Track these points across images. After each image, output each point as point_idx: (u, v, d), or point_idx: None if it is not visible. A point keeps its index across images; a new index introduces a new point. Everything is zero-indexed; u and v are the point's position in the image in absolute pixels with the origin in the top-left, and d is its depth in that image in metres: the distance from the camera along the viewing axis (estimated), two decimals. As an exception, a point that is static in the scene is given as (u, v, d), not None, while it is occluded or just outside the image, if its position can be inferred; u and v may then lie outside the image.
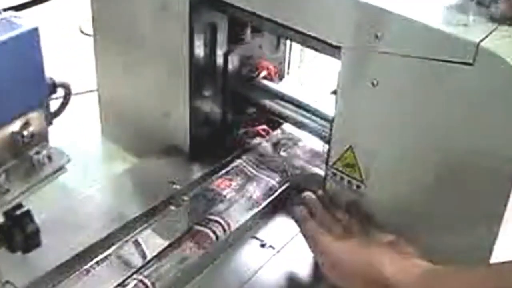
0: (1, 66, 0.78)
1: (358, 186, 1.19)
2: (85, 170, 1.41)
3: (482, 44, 0.97)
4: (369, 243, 1.08)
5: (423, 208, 1.12)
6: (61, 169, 0.86)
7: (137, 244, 1.21)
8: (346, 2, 1.07)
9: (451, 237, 1.09)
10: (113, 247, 1.19)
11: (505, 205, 1.02)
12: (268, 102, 1.44)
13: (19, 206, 0.88)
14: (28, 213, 0.89)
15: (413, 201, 1.13)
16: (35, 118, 0.83)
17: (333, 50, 1.13)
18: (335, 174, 1.21)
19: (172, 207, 1.28)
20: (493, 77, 0.97)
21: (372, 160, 1.15)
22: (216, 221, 1.24)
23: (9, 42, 0.78)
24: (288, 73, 1.62)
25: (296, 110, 1.41)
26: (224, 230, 1.23)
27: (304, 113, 1.39)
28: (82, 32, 2.02)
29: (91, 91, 1.57)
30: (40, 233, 0.91)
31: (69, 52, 1.77)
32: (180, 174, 1.36)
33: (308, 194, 1.24)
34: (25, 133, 0.83)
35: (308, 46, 1.22)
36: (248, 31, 1.41)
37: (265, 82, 1.46)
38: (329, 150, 1.21)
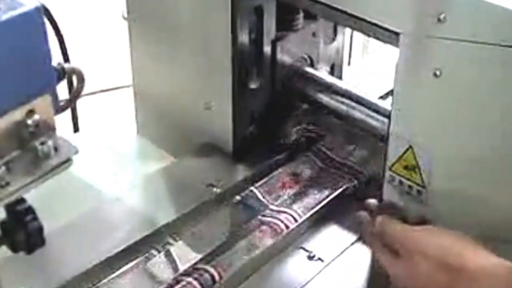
0: (1, 48, 0.76)
1: (419, 192, 1.14)
2: (117, 170, 1.40)
3: None
4: (446, 231, 1.07)
5: (490, 213, 1.09)
6: (68, 161, 0.84)
7: (168, 254, 1.19)
8: (406, -20, 1.03)
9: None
10: (140, 257, 1.17)
11: None
12: (321, 97, 1.40)
13: (21, 201, 0.86)
14: (30, 209, 0.87)
15: (481, 210, 1.09)
16: (41, 105, 0.81)
17: (391, 36, 1.10)
18: (393, 178, 1.17)
19: (210, 214, 1.26)
20: None
21: (435, 162, 1.11)
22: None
23: (9, 22, 0.76)
24: (349, 63, 1.58)
25: (354, 106, 1.37)
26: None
27: (363, 109, 1.35)
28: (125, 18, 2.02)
29: (127, 86, 1.55)
30: (43, 232, 0.89)
31: (110, 40, 1.76)
32: (220, 176, 1.34)
33: (371, 201, 1.21)
34: (29, 121, 0.81)
35: (364, 32, 1.18)
36: (301, 16, 1.39)
37: (319, 74, 1.42)
38: (386, 151, 1.16)
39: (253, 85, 1.37)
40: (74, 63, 1.23)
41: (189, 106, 1.43)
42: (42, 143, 0.83)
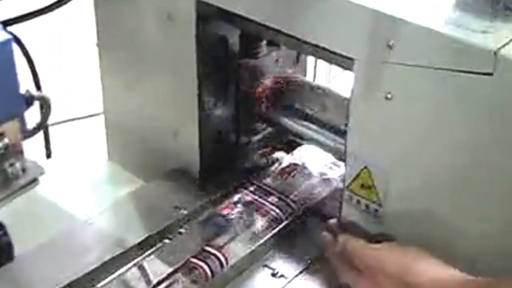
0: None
1: (376, 210, 1.19)
2: (89, 194, 1.44)
3: (502, 51, 0.97)
4: (406, 247, 1.12)
5: (446, 230, 1.13)
6: (35, 181, 0.89)
7: (142, 268, 1.24)
8: (357, 11, 1.10)
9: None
10: (113, 274, 1.22)
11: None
12: (283, 119, 1.45)
13: None
14: (1, 225, 0.92)
15: (435, 224, 1.14)
16: (10, 130, 0.86)
17: (346, 62, 1.15)
18: (351, 197, 1.22)
19: (175, 234, 1.31)
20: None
21: (389, 180, 1.16)
22: (214, 254, 1.26)
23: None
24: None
25: (317, 129, 1.42)
26: (222, 265, 1.25)
27: (325, 131, 1.40)
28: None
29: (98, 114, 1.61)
30: (12, 248, 0.94)
31: (84, 68, 1.81)
32: (187, 199, 1.39)
33: (332, 221, 1.26)
34: None
35: (323, 59, 1.24)
36: (263, 44, 1.43)
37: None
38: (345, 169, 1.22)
39: (218, 111, 1.42)
40: (47, 91, 1.29)
41: (158, 132, 1.47)
42: (11, 165, 0.87)
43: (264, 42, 1.44)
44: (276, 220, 1.34)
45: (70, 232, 1.32)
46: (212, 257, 1.26)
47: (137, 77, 1.47)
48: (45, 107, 0.95)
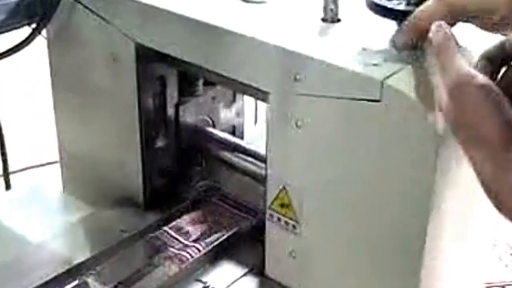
0: None
1: (294, 226, 1.32)
2: (43, 221, 1.57)
3: (387, 81, 1.12)
4: None
5: (356, 242, 1.26)
6: None
7: (85, 286, 1.36)
8: (268, 48, 1.23)
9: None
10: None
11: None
12: (221, 154, 1.59)
13: None
14: None
15: (344, 240, 1.27)
16: None
17: (262, 94, 1.29)
18: (272, 215, 1.35)
19: (119, 252, 1.43)
20: (398, 112, 1.12)
21: (304, 199, 1.29)
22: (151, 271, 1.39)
23: None
24: (256, 122, 1.77)
25: (252, 161, 1.56)
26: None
27: (255, 161, 1.53)
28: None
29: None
30: None
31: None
32: (132, 223, 1.51)
33: None
34: None
35: (241, 92, 1.38)
36: (200, 83, 1.57)
37: (219, 133, 1.62)
38: (265, 192, 1.35)
39: (159, 144, 1.54)
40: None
41: (106, 163, 1.59)
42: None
43: (201, 81, 1.57)
44: (208, 241, 1.47)
45: (24, 254, 1.44)
46: (151, 272, 1.38)
47: (87, 114, 1.59)
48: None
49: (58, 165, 1.74)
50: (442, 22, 1.02)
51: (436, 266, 1.22)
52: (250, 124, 1.77)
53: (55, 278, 1.35)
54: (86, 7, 1.47)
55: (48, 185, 1.74)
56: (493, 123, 0.87)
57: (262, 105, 1.67)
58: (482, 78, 0.90)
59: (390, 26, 1.19)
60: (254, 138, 1.70)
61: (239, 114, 1.69)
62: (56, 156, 1.73)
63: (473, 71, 0.92)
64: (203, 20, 1.31)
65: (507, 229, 1.97)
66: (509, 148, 0.86)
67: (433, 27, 1.02)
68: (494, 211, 0.88)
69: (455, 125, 0.92)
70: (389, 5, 1.18)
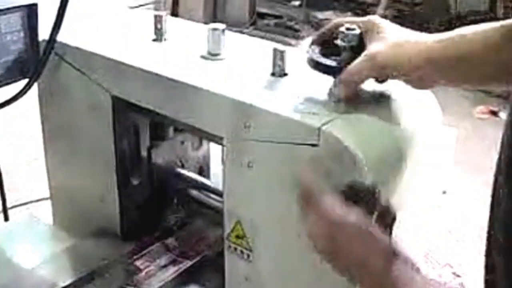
0: None
1: (248, 255, 1.35)
2: (34, 249, 1.62)
3: (323, 128, 1.16)
4: None
5: (300, 267, 1.29)
6: None
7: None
8: (222, 99, 1.29)
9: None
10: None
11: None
12: (188, 190, 1.62)
13: None
14: None
15: (290, 265, 1.31)
16: None
17: (217, 138, 1.34)
18: (229, 246, 1.38)
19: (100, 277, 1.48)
20: (334, 155, 1.16)
21: (256, 231, 1.33)
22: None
23: None
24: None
25: (210, 195, 1.61)
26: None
27: (217, 197, 1.57)
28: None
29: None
30: None
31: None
32: (111, 252, 1.56)
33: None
34: None
35: (200, 137, 1.41)
36: (170, 129, 1.61)
37: (187, 173, 1.66)
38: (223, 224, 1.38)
39: (135, 182, 1.59)
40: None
41: (88, 199, 1.64)
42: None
43: (171, 127, 1.61)
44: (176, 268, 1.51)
45: (18, 278, 1.50)
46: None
47: (72, 156, 1.65)
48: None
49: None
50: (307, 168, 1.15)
51: None
52: (217, 164, 1.78)
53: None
54: (69, 63, 1.51)
55: (40, 219, 1.77)
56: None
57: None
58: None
59: (327, 80, 1.23)
60: (218, 177, 1.72)
61: (205, 156, 1.72)
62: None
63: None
64: (167, 75, 1.36)
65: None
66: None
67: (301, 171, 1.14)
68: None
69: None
70: (325, 62, 1.21)
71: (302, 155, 1.20)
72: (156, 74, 1.38)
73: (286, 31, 4.60)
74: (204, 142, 1.72)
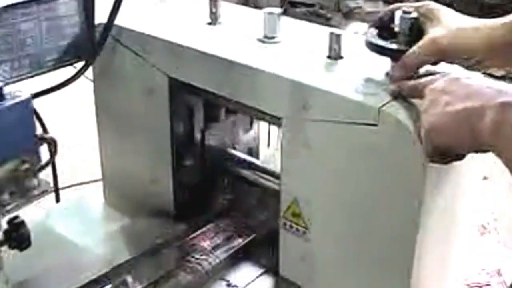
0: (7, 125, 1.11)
1: (304, 232, 1.38)
2: (88, 228, 1.65)
3: (383, 108, 1.18)
4: None
5: (356, 247, 1.32)
6: (44, 192, 1.13)
7: (125, 284, 1.42)
8: (281, 80, 1.31)
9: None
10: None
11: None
12: (240, 171, 1.65)
13: (16, 217, 1.15)
14: (23, 222, 1.16)
15: (346, 244, 1.33)
16: (28, 159, 1.11)
17: (276, 120, 1.36)
18: (285, 223, 1.41)
19: (153, 256, 1.50)
20: (393, 135, 1.18)
21: (312, 209, 1.35)
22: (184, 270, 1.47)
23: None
24: (268, 145, 1.84)
25: (266, 177, 1.62)
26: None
27: (269, 177, 1.59)
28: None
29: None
30: (30, 237, 1.17)
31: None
32: (164, 231, 1.58)
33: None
34: (22, 167, 1.14)
35: (257, 118, 1.44)
36: (223, 111, 1.63)
37: (239, 154, 1.68)
38: (279, 203, 1.41)
39: (188, 163, 1.61)
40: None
41: (141, 179, 1.66)
42: (29, 181, 1.12)
43: (223, 109, 1.64)
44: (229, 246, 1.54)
45: (73, 257, 1.52)
46: (182, 272, 1.44)
47: (126, 139, 1.68)
48: (52, 146, 1.20)
49: (98, 183, 1.81)
50: None
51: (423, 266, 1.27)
52: (264, 146, 1.81)
53: (100, 277, 1.41)
54: (125, 46, 1.53)
55: (91, 199, 1.79)
56: None
57: (273, 132, 1.75)
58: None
59: (385, 62, 1.25)
60: (268, 158, 1.75)
61: (255, 138, 1.74)
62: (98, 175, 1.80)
63: None
64: (226, 57, 1.37)
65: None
66: None
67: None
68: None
69: None
70: (384, 44, 1.23)
71: (360, 135, 1.22)
72: (215, 56, 1.39)
73: (318, 19, 4.60)
74: (254, 125, 1.75)
